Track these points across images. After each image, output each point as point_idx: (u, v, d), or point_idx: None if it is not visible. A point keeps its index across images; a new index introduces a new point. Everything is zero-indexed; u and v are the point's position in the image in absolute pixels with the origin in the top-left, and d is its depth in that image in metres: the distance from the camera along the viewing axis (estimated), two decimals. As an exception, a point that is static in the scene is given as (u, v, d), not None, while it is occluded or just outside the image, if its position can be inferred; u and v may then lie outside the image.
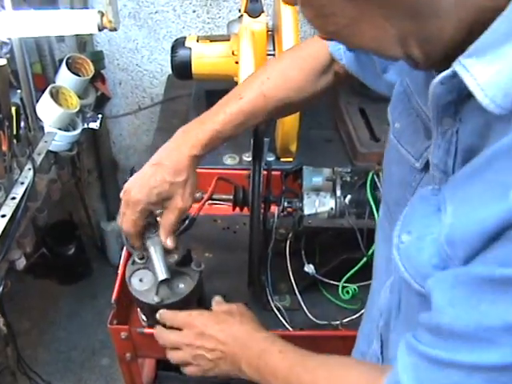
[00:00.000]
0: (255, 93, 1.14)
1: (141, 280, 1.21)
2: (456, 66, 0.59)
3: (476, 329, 0.58)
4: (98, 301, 2.90)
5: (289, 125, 1.59)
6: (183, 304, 1.18)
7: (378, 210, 1.28)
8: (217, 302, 1.20)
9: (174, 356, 1.15)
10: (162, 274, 1.15)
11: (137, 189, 1.12)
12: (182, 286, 1.20)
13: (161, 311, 1.16)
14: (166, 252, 1.20)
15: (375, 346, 0.97)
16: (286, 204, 1.33)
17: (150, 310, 1.20)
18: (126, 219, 1.15)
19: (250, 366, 1.00)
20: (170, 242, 1.17)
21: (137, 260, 1.23)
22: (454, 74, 0.59)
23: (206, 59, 1.72)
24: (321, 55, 1.12)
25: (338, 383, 0.83)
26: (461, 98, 0.63)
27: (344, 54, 1.08)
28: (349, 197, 1.29)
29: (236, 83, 1.66)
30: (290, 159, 1.70)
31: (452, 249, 0.63)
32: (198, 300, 1.25)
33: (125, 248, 1.43)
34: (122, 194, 1.18)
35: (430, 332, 0.65)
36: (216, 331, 1.07)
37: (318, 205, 1.30)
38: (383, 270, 0.95)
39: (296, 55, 1.18)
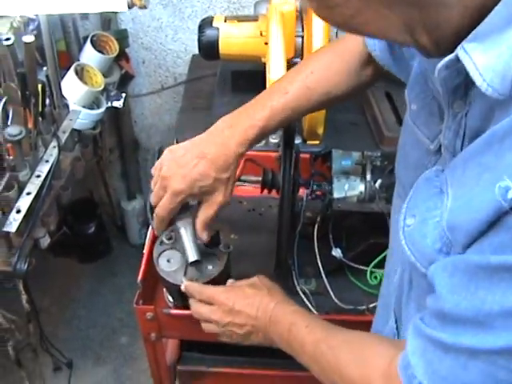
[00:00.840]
0: (300, 87, 1.11)
1: (168, 261, 1.21)
2: (459, 51, 0.59)
3: (475, 315, 0.60)
4: (117, 279, 2.92)
5: (317, 107, 1.58)
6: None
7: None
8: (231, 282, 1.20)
9: (205, 328, 1.16)
10: (193, 256, 1.14)
11: (179, 178, 1.09)
12: (210, 267, 1.20)
13: (186, 283, 1.16)
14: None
15: (391, 323, 0.99)
16: (315, 187, 1.31)
17: (178, 292, 1.19)
18: (163, 205, 1.13)
19: (281, 339, 1.02)
20: (205, 236, 1.16)
21: (165, 240, 1.23)
22: (458, 59, 0.60)
23: (233, 39, 1.70)
24: (361, 48, 1.11)
25: (357, 365, 0.83)
26: (467, 81, 0.64)
27: (376, 44, 1.06)
28: (379, 181, 1.28)
29: (264, 64, 1.64)
30: (317, 142, 1.69)
31: (452, 234, 0.65)
32: (225, 281, 1.24)
33: (150, 228, 1.42)
34: (153, 170, 1.17)
35: (435, 316, 0.68)
36: (244, 306, 1.08)
37: (348, 188, 1.29)
38: (397, 250, 0.96)
39: (337, 49, 1.17)
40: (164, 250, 1.22)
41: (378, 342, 0.86)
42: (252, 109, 1.13)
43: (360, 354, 0.85)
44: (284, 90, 1.12)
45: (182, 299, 1.19)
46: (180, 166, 1.11)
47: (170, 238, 1.22)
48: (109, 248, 2.90)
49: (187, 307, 1.20)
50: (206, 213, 1.14)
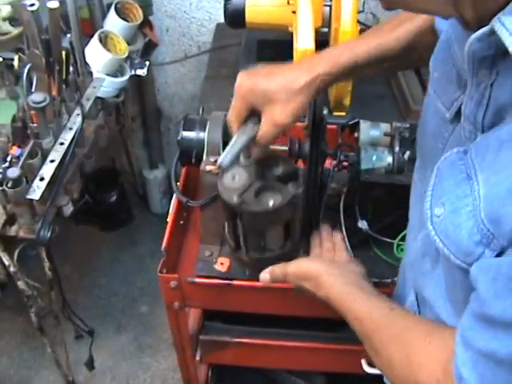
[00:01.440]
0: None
1: (233, 178, 1.12)
2: (495, 24, 0.58)
3: None
4: (138, 248, 2.93)
5: (344, 78, 1.56)
6: (261, 219, 1.12)
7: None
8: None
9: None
10: (224, 159, 1.03)
11: (245, 80, 1.03)
12: (271, 201, 1.11)
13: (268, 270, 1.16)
14: (272, 163, 1.14)
15: (411, 298, 0.98)
16: (342, 157, 1.29)
17: (228, 210, 1.14)
18: (231, 107, 1.07)
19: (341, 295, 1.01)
20: (256, 152, 1.10)
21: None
22: (492, 32, 0.59)
23: (260, 8, 1.68)
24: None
25: (408, 367, 0.79)
26: (498, 53, 0.63)
27: None
28: (407, 153, 1.26)
29: (291, 33, 1.62)
30: (343, 114, 1.67)
31: (495, 227, 0.62)
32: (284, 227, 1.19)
33: (174, 196, 1.42)
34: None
35: (482, 322, 0.65)
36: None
37: (376, 160, 1.27)
38: (417, 223, 0.96)
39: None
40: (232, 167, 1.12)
41: (433, 342, 0.79)
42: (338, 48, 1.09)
43: (411, 357, 0.80)
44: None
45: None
46: (251, 74, 1.04)
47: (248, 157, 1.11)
48: (130, 217, 2.91)
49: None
50: (264, 129, 1.03)
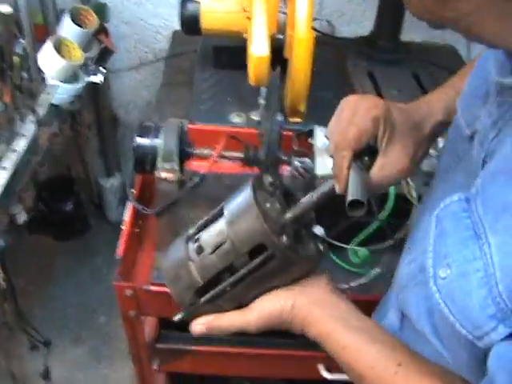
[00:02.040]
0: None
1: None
2: None
3: None
4: (95, 258, 2.89)
5: (299, 84, 1.56)
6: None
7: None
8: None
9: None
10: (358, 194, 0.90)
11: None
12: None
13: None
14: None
15: (392, 316, 0.95)
16: (297, 164, 1.29)
17: None
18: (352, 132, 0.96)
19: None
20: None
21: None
22: None
23: (215, 14, 1.67)
24: None
25: None
26: None
27: None
28: (365, 158, 1.26)
29: (246, 40, 1.61)
30: (299, 120, 1.67)
31: None
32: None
33: (129, 203, 1.40)
34: None
35: None
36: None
37: (331, 166, 1.27)
38: (420, 239, 0.87)
39: None
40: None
41: None
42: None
43: None
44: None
45: None
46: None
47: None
48: (86, 226, 2.88)
49: None
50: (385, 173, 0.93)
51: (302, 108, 1.63)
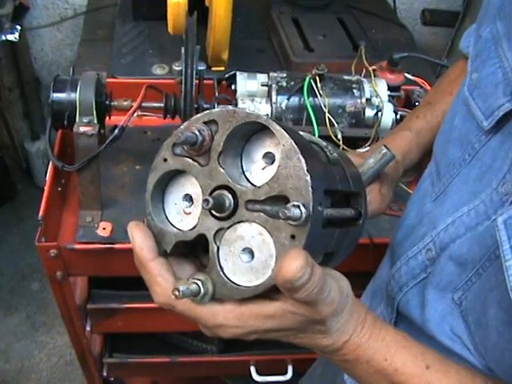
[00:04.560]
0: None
1: None
2: None
3: None
4: (24, 224, 2.82)
5: (220, 32, 1.52)
6: None
7: (315, 116, 1.24)
8: None
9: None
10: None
11: None
12: None
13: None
14: None
15: (384, 312, 0.92)
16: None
17: None
18: None
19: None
20: None
21: None
22: None
23: (131, -38, 1.61)
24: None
25: None
26: None
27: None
28: (285, 102, 1.24)
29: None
30: (222, 68, 1.64)
31: None
32: None
33: (50, 163, 1.35)
34: None
35: None
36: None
37: (253, 110, 1.25)
38: (411, 231, 0.87)
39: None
40: None
41: None
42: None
43: None
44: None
45: None
46: None
47: None
48: (14, 192, 2.80)
49: None
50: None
51: (225, 56, 1.60)
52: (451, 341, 0.74)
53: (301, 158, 0.57)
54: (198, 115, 0.62)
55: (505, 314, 0.63)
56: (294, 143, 0.57)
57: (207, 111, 0.62)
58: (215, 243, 0.62)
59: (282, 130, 0.58)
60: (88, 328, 1.55)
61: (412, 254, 0.84)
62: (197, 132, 0.60)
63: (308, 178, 0.56)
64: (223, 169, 0.61)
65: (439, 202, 0.83)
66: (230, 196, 0.61)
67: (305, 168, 0.56)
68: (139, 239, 0.64)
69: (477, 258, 0.69)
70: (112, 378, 1.82)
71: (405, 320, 0.86)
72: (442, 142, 0.89)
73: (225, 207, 0.60)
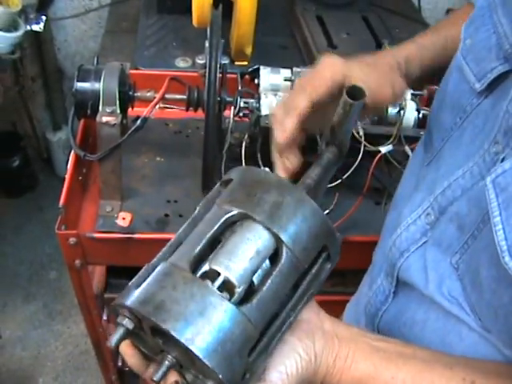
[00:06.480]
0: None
1: None
2: None
3: None
4: (44, 214, 2.84)
5: (244, 26, 1.53)
6: None
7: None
8: None
9: None
10: None
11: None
12: None
13: None
14: None
15: (384, 282, 0.91)
16: (242, 104, 1.27)
17: None
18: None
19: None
20: None
21: None
22: None
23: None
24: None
25: None
26: None
27: None
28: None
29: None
30: (245, 63, 1.64)
31: None
32: None
33: (72, 152, 1.36)
34: None
35: None
36: None
37: (276, 105, 1.25)
38: (409, 198, 0.87)
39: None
40: None
41: None
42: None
43: None
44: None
45: None
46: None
47: None
48: (35, 182, 2.82)
49: None
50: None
51: (248, 51, 1.61)
52: (450, 303, 0.75)
53: None
54: None
55: (496, 271, 0.63)
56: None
57: None
58: None
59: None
60: (104, 317, 1.55)
61: (412, 219, 0.84)
62: None
63: None
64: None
65: (434, 167, 0.84)
66: None
67: None
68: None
69: (473, 219, 0.69)
70: (127, 368, 1.83)
71: (405, 289, 0.86)
72: (435, 110, 0.90)
73: None
